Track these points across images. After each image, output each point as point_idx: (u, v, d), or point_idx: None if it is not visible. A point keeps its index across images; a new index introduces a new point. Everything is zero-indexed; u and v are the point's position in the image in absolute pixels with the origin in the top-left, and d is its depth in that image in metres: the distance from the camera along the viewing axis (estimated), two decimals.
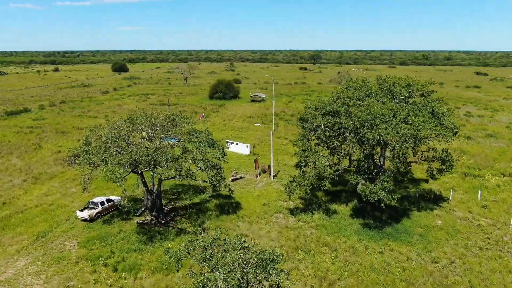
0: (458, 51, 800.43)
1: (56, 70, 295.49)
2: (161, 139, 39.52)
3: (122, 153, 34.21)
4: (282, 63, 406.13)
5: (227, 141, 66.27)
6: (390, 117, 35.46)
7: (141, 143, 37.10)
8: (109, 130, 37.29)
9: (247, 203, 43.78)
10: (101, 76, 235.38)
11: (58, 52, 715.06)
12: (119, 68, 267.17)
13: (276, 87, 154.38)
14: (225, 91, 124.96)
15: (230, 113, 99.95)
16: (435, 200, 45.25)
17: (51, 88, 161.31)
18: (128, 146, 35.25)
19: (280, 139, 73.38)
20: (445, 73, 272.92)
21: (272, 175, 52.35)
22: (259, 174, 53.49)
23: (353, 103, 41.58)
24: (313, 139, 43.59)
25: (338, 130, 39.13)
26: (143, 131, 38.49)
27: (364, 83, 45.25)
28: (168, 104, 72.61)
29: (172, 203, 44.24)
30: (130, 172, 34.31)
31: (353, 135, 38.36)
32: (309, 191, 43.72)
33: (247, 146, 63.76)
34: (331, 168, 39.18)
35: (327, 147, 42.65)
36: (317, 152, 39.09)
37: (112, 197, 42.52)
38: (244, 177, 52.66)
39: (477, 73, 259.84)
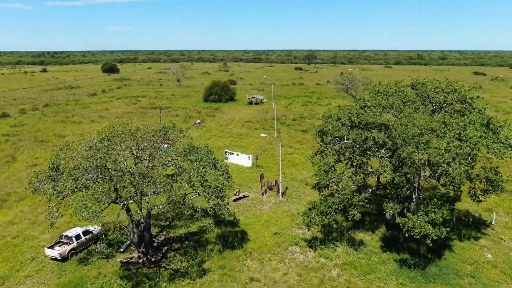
0: (451, 51, 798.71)
1: (44, 71, 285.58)
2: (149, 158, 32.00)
3: (99, 182, 26.69)
4: (276, 63, 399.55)
5: (226, 151, 58.95)
6: (442, 133, 28.38)
7: (123, 166, 29.55)
8: (82, 151, 29.67)
9: (255, 233, 36.46)
10: (90, 77, 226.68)
11: (48, 53, 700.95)
12: (109, 68, 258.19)
13: (273, 88, 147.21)
14: (220, 93, 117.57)
15: (227, 117, 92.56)
16: (476, 225, 38.29)
17: (37, 90, 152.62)
18: (106, 172, 27.68)
19: (284, 147, 66.16)
20: (442, 73, 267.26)
21: (280, 193, 45.13)
22: (265, 192, 46.26)
23: (381, 113, 34.46)
24: (333, 154, 36.53)
25: (367, 145, 32.01)
26: (126, 150, 30.94)
27: (397, 87, 38.04)
28: (159, 108, 65.40)
29: (163, 233, 36.76)
30: (109, 204, 26.88)
31: (385, 152, 31.33)
32: (332, 221, 36.44)
33: (249, 157, 56.46)
34: (358, 193, 32.04)
35: (351, 164, 35.54)
36: (342, 173, 31.85)
37: (90, 228, 34.98)
38: (248, 196, 45.37)
39: (476, 73, 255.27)
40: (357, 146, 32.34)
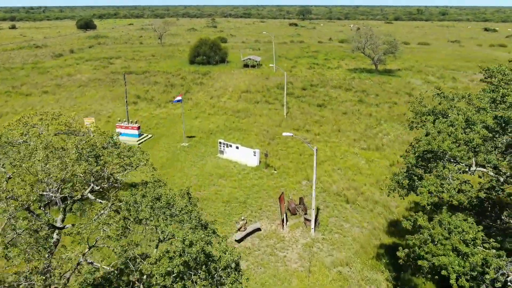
0: (447, 6, 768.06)
1: (13, 27, 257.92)
2: None
3: None
4: (268, 18, 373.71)
5: (220, 143, 41.15)
6: None
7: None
8: None
9: None
10: (63, 34, 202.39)
11: (24, 8, 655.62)
12: (85, 24, 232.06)
13: (269, 46, 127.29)
14: (209, 54, 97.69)
15: (219, 85, 73.79)
16: None
17: None
18: None
19: (299, 131, 48.53)
20: (448, 29, 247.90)
21: (312, 224, 27.96)
22: (286, 221, 29.10)
23: None
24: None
25: None
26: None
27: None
28: (124, 79, 46.59)
29: None
30: None
31: None
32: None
33: (254, 152, 38.79)
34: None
35: None
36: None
37: None
38: (259, 229, 28.18)
39: (486, 29, 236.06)
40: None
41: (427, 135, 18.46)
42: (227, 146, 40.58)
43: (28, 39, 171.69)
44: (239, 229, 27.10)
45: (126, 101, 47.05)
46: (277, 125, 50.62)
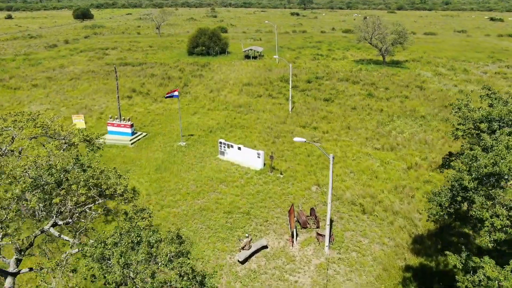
0: None
1: (9, 17, 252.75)
2: None
3: None
4: (269, 8, 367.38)
5: (220, 143, 37.50)
6: None
7: None
8: None
9: None
10: (59, 24, 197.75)
11: None
12: (82, 14, 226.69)
13: (271, 36, 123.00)
14: (209, 44, 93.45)
15: (219, 77, 69.89)
16: None
17: None
18: None
19: (306, 128, 44.90)
20: (453, 19, 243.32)
21: (327, 239, 24.43)
22: (296, 236, 25.59)
23: None
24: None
25: None
26: None
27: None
28: (116, 73, 42.49)
29: None
30: None
31: None
32: None
33: (258, 154, 35.16)
34: None
35: None
36: None
37: None
38: (266, 247, 24.69)
39: (491, 19, 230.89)
40: None
41: (484, 149, 14.79)
42: (228, 147, 36.96)
43: (23, 29, 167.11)
44: (242, 248, 23.60)
45: (118, 97, 43.29)
46: (281, 122, 46.94)
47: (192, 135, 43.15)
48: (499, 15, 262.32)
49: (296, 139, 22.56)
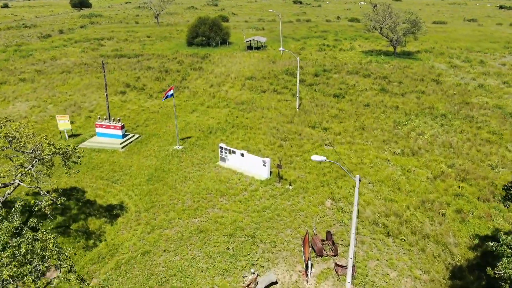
0: None
1: (5, 6, 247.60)
2: None
3: None
4: None
5: (221, 148, 33.28)
6: None
7: None
8: None
9: None
10: (56, 13, 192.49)
11: None
12: (79, 3, 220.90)
13: (274, 25, 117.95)
14: (209, 34, 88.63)
15: (220, 71, 65.37)
16: None
17: None
18: None
19: (315, 130, 40.61)
20: (461, 7, 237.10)
21: (349, 275, 20.26)
22: (311, 266, 21.50)
23: None
24: None
25: None
26: None
27: None
28: (103, 68, 37.75)
29: None
30: None
31: None
32: None
33: (264, 162, 30.93)
34: None
35: None
36: None
37: None
38: (275, 282, 20.62)
39: (501, 7, 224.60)
40: None
41: None
42: (230, 152, 32.77)
43: (19, 19, 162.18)
44: (247, 286, 19.57)
45: (107, 95, 38.95)
46: (288, 121, 42.65)
47: (190, 137, 38.96)
48: (509, 3, 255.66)
49: (314, 157, 18.29)
